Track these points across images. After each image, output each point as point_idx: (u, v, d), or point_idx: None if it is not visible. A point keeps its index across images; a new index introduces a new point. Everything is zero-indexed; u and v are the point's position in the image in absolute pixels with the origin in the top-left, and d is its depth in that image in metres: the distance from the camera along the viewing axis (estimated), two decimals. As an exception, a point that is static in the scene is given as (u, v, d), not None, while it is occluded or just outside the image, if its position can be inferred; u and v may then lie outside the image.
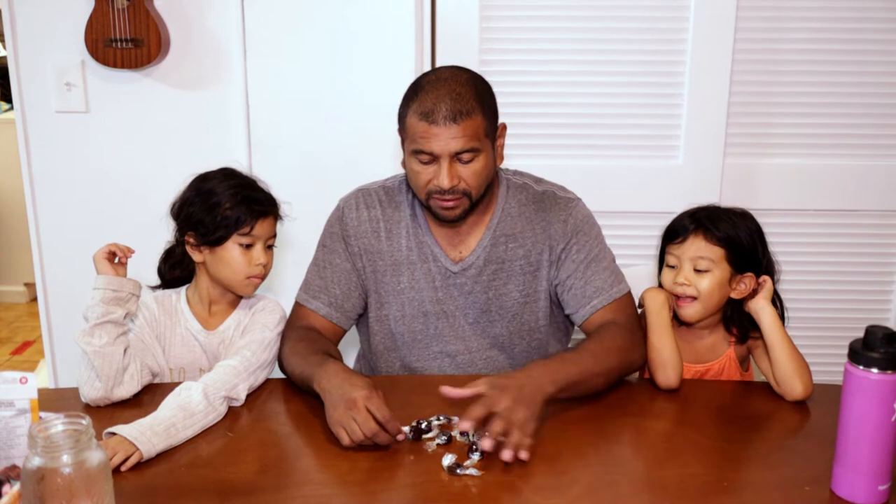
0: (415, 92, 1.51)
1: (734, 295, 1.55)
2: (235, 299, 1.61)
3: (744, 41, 2.16)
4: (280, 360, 1.56)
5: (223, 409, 1.40)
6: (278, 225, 1.60)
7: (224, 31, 2.12)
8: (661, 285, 1.61)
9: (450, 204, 1.52)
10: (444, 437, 1.30)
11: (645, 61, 2.18)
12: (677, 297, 1.56)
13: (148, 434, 1.26)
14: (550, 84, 2.19)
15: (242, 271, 1.54)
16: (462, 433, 1.28)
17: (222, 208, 1.52)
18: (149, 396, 1.48)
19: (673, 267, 1.57)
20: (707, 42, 2.15)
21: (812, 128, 2.23)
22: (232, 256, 1.53)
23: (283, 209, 1.60)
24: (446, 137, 1.45)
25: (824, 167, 2.25)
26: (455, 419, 1.36)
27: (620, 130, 2.23)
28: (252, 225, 1.53)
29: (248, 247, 1.54)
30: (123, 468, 1.21)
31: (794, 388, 1.45)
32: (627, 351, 1.51)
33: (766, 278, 1.53)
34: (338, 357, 1.51)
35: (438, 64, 2.17)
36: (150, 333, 1.57)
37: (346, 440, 1.26)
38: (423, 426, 1.33)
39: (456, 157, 1.48)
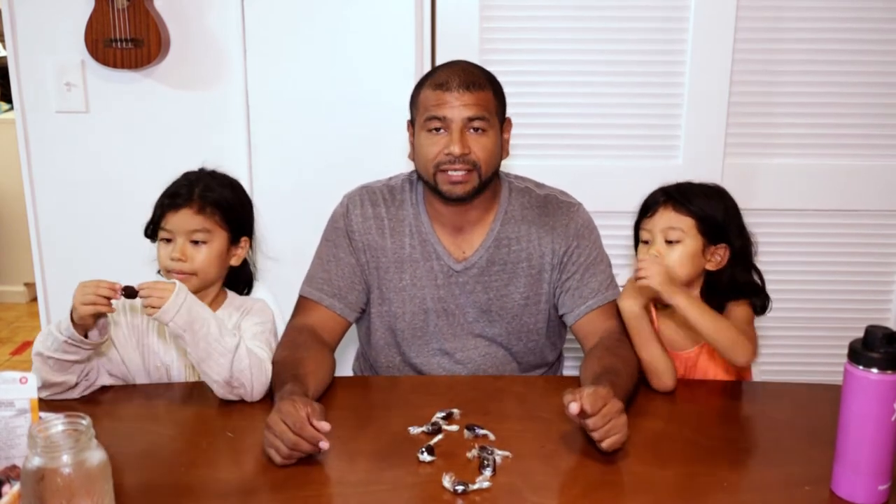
0: (429, 74, 1.60)
1: (709, 266, 1.56)
2: (216, 299, 1.59)
3: (744, 41, 2.16)
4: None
5: (229, 374, 1.39)
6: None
7: (224, 31, 2.12)
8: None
9: (459, 176, 1.53)
10: (430, 427, 1.33)
11: (645, 61, 2.18)
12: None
13: (190, 299, 1.36)
14: (550, 84, 2.20)
15: (164, 266, 1.54)
16: (478, 450, 1.26)
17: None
18: (161, 402, 1.49)
19: (647, 242, 1.58)
20: (707, 42, 2.15)
21: (812, 128, 2.23)
22: (158, 252, 1.56)
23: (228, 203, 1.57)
24: (459, 104, 1.51)
25: (824, 167, 2.25)
26: (455, 412, 1.38)
27: (620, 130, 2.23)
28: (165, 218, 1.53)
29: (170, 241, 1.54)
30: (146, 293, 1.35)
31: (734, 360, 1.49)
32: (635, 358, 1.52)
33: (640, 267, 1.47)
34: (302, 379, 1.40)
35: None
36: (130, 338, 1.56)
37: (276, 459, 1.21)
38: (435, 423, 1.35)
39: (468, 125, 1.52)
